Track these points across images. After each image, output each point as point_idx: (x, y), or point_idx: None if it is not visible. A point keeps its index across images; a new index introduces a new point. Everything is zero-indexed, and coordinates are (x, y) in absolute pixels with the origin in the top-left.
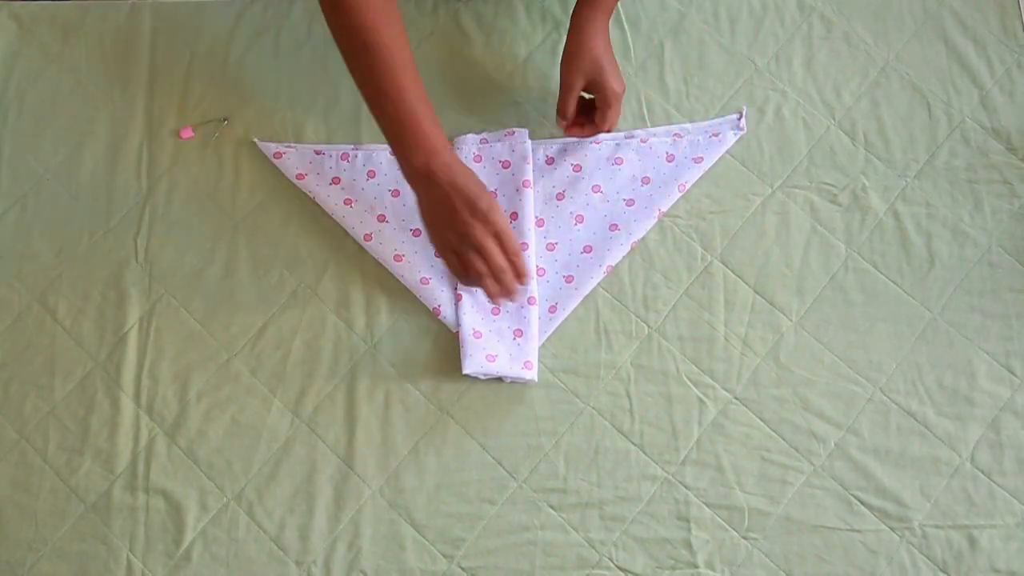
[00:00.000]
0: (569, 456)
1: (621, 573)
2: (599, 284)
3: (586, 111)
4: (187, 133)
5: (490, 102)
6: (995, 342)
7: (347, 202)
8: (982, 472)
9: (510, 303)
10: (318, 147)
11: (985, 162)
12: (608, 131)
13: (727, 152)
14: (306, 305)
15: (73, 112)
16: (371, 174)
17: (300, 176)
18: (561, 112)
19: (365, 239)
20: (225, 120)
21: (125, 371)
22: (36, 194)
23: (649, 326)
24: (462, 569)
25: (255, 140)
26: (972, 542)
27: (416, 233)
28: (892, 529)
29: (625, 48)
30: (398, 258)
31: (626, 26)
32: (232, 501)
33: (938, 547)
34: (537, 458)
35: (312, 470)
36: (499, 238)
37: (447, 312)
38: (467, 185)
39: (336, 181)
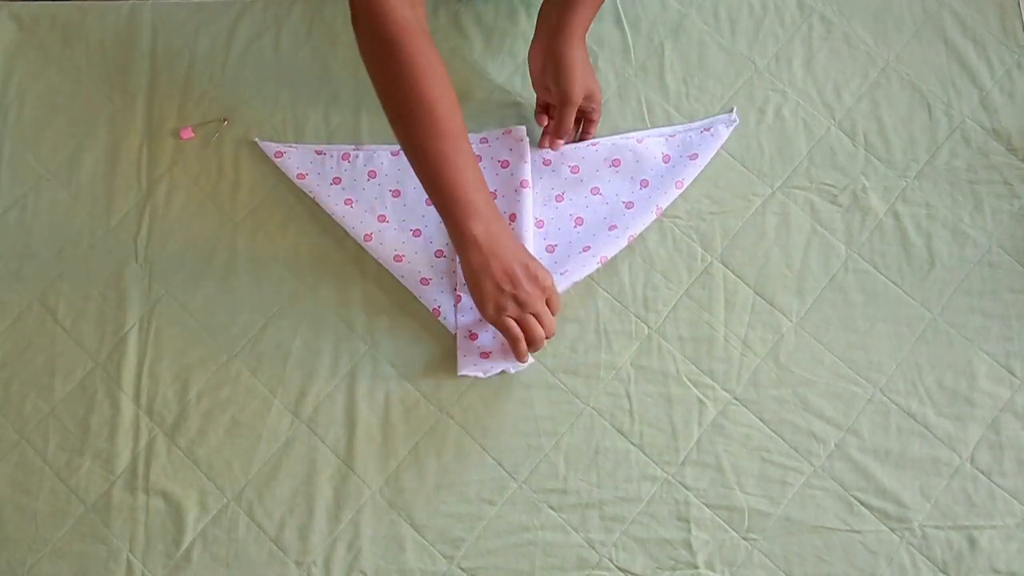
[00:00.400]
0: (569, 456)
1: (621, 574)
2: (600, 285)
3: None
4: (187, 133)
5: (490, 102)
6: (995, 343)
7: (347, 202)
8: (982, 473)
9: None
10: (319, 147)
11: (985, 163)
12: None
13: (727, 152)
14: (306, 305)
15: (73, 112)
16: (372, 174)
17: (301, 176)
18: (563, 129)
19: (365, 239)
20: (225, 120)
21: (125, 371)
22: (36, 194)
23: (649, 327)
24: (462, 570)
25: (256, 140)
26: (972, 543)
27: (416, 233)
28: (892, 530)
29: (625, 48)
30: (398, 258)
31: (626, 26)
32: (232, 501)
33: (938, 548)
34: (537, 458)
35: (312, 470)
36: (549, 304)
37: (447, 313)
38: (521, 253)
39: (337, 181)
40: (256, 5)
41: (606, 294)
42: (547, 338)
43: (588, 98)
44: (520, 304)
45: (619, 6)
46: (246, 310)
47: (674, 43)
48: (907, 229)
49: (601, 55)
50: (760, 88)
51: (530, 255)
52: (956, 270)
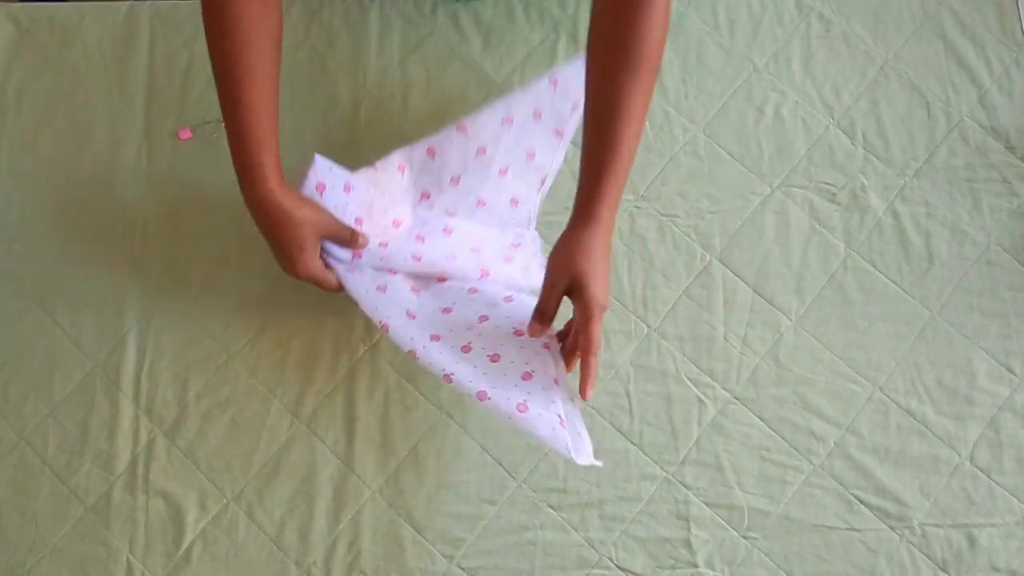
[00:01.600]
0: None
1: (621, 573)
2: None
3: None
4: (186, 134)
5: (488, 102)
6: (994, 341)
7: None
8: (981, 471)
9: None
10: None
11: (984, 161)
12: (586, 355)
13: (726, 151)
14: (305, 305)
15: (72, 113)
16: (381, 289)
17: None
18: (541, 311)
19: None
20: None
21: (124, 372)
22: (35, 195)
23: (648, 326)
24: (462, 569)
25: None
26: (972, 541)
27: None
28: (892, 528)
29: None
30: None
31: None
32: (232, 502)
33: (938, 546)
34: (537, 458)
35: (312, 471)
36: (310, 282)
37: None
38: (275, 224)
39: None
40: None
41: None
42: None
43: (577, 291)
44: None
45: None
46: (245, 310)
47: (673, 42)
48: (906, 228)
49: None
50: (759, 87)
51: (293, 231)
52: (955, 268)
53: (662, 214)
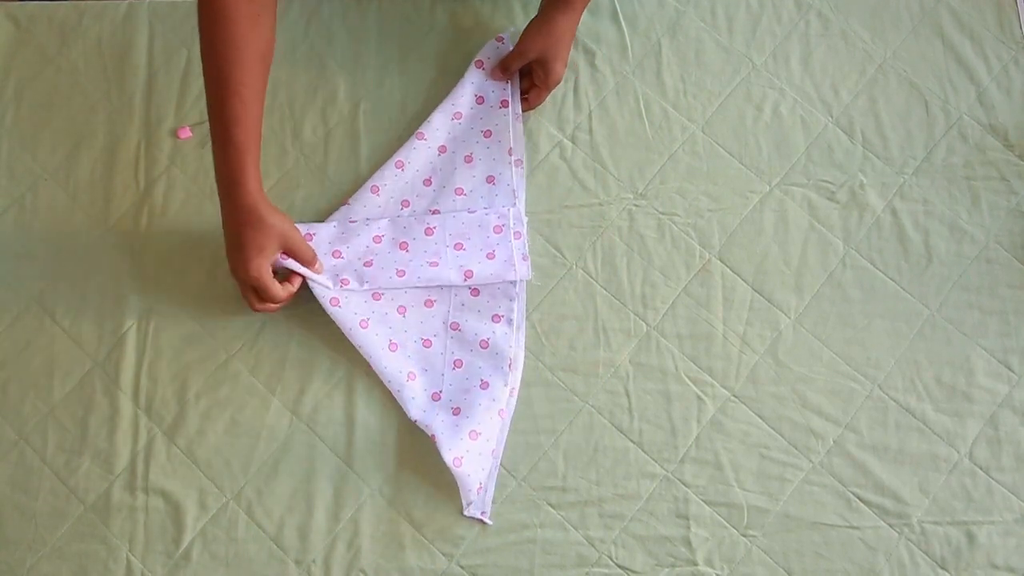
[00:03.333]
0: (568, 454)
1: (620, 571)
2: (598, 283)
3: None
4: (185, 133)
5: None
6: (993, 338)
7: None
8: (980, 468)
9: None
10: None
11: (982, 159)
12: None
13: (725, 150)
14: (304, 304)
15: (71, 112)
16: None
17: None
18: (503, 66)
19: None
20: None
21: (124, 371)
22: (34, 194)
23: (648, 324)
24: (461, 568)
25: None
26: (970, 538)
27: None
28: (891, 526)
29: (623, 46)
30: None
31: (623, 24)
32: (231, 501)
33: (937, 543)
34: (536, 456)
35: (311, 469)
36: (258, 292)
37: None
38: (246, 225)
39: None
40: None
41: (604, 292)
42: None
43: (543, 64)
44: (249, 302)
45: (616, 4)
46: (245, 310)
47: (672, 41)
48: (905, 225)
49: (598, 53)
50: (757, 85)
51: (251, 247)
52: (954, 266)
53: (661, 212)
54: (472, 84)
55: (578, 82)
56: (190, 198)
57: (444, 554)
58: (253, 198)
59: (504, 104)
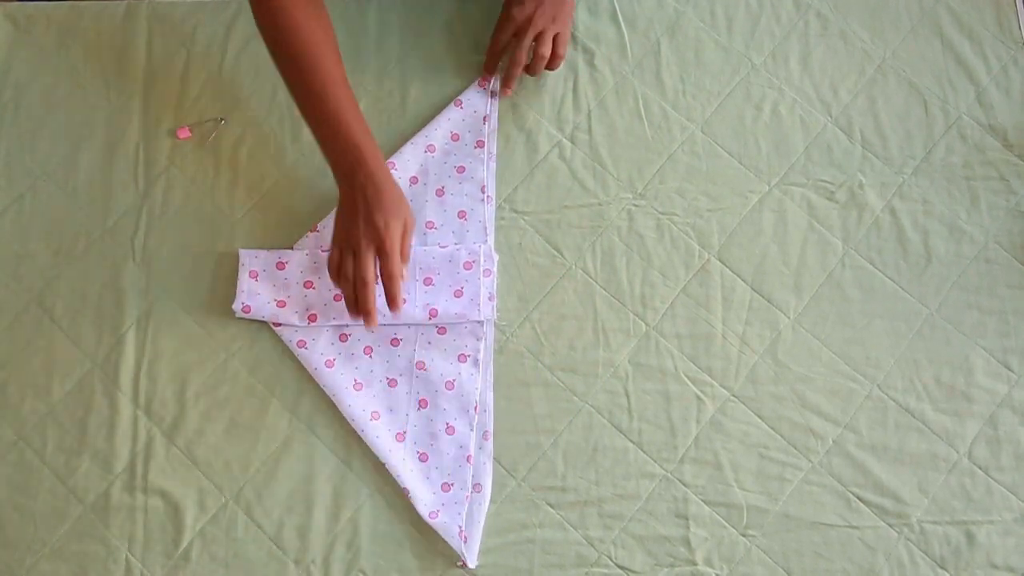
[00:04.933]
0: (567, 454)
1: (620, 571)
2: (597, 283)
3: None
4: (184, 133)
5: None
6: (992, 338)
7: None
8: (980, 468)
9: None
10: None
11: (982, 159)
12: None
13: (724, 150)
14: None
15: (70, 113)
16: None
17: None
18: (516, 61)
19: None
20: (222, 120)
21: (123, 371)
22: (33, 194)
23: (647, 324)
24: (461, 568)
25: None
26: (970, 538)
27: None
28: (890, 525)
29: (622, 46)
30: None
31: (623, 24)
32: (231, 501)
33: (936, 543)
34: (535, 456)
35: (311, 469)
36: (380, 256)
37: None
38: (378, 196)
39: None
40: None
41: (604, 292)
42: (363, 291)
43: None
44: (348, 237)
45: (615, 4)
46: None
47: (671, 40)
48: (904, 225)
49: (598, 52)
50: (757, 85)
51: (395, 206)
52: (953, 266)
53: (660, 212)
54: (448, 121)
55: (577, 82)
56: (189, 198)
57: (443, 554)
58: (386, 172)
59: (480, 145)
